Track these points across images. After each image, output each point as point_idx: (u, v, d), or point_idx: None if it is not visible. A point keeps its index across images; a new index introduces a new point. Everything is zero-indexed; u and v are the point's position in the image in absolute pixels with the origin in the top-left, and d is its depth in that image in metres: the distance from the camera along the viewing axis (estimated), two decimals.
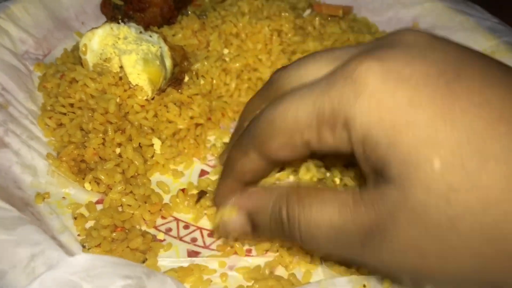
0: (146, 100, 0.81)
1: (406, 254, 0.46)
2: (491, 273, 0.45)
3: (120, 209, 0.72)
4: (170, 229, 0.72)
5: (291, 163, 0.61)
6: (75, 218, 0.69)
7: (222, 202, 0.59)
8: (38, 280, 0.48)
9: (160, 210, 0.74)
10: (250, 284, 0.64)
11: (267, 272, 0.66)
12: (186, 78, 0.88)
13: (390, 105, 0.45)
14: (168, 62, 0.85)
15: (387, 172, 0.45)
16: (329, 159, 0.65)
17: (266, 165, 0.58)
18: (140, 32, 0.85)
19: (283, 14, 0.95)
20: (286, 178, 0.61)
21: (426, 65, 0.46)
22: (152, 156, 0.79)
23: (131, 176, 0.76)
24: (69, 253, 0.63)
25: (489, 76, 0.45)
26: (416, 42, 0.49)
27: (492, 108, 0.43)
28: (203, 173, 0.82)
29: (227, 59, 0.91)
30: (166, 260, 0.68)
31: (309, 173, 0.61)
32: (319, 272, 0.67)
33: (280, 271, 0.67)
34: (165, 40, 0.87)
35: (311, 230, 0.50)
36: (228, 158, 0.60)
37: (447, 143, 0.43)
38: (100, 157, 0.76)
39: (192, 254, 0.69)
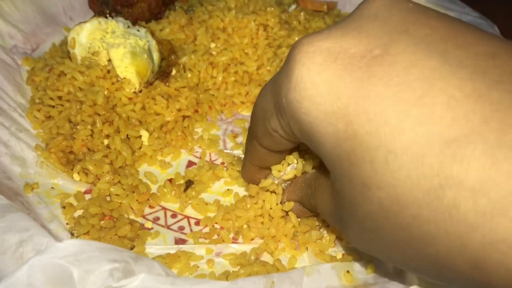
0: (134, 92, 0.82)
1: (361, 240, 0.47)
2: (415, 269, 0.44)
3: (108, 198, 0.73)
4: (157, 218, 0.74)
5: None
6: (64, 207, 0.70)
7: (248, 180, 0.70)
8: (27, 264, 0.49)
9: (148, 199, 0.75)
10: (236, 269, 0.66)
11: (253, 258, 0.68)
12: (174, 72, 0.89)
13: (311, 95, 0.43)
14: (156, 56, 0.86)
15: (326, 164, 0.47)
16: None
17: (269, 153, 0.61)
18: (128, 27, 0.86)
19: (268, 9, 0.96)
20: (292, 162, 0.64)
21: (356, 41, 0.43)
22: (140, 148, 0.81)
23: (119, 167, 0.77)
24: (58, 240, 0.64)
25: (423, 48, 0.40)
26: (369, 11, 0.45)
27: (411, 90, 0.38)
28: (190, 163, 0.83)
29: (214, 53, 0.93)
30: (154, 247, 0.69)
31: (308, 163, 0.63)
32: (304, 258, 0.68)
33: (266, 257, 0.69)
34: (152, 34, 0.89)
35: (320, 209, 0.59)
36: (246, 144, 0.65)
37: (359, 138, 0.40)
38: (88, 148, 0.77)
39: (179, 241, 0.71)
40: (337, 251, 0.69)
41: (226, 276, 0.64)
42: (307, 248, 0.69)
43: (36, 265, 0.48)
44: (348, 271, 0.62)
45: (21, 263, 0.50)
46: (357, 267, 0.64)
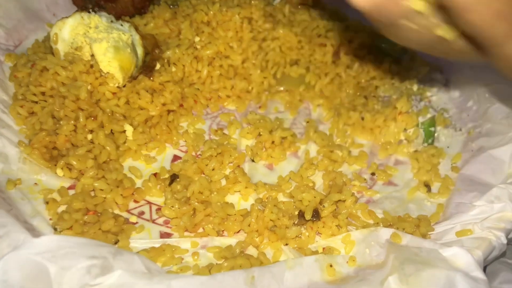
0: (118, 87, 0.82)
1: None
2: None
3: (92, 193, 0.73)
4: (142, 212, 0.74)
5: None
6: (47, 203, 0.70)
7: None
8: (2, 260, 0.49)
9: (133, 194, 0.75)
10: (220, 262, 0.66)
11: (237, 251, 0.68)
12: (158, 66, 0.89)
13: None
14: (140, 50, 0.86)
15: None
16: None
17: None
18: (111, 21, 0.85)
19: (253, 2, 0.96)
20: None
21: None
22: (124, 142, 0.80)
23: (103, 162, 0.77)
24: (40, 235, 0.64)
25: None
26: None
27: None
28: (175, 158, 0.83)
29: (198, 46, 0.92)
30: (139, 241, 0.69)
31: None
32: (288, 252, 0.69)
33: (251, 251, 0.69)
34: (136, 29, 0.88)
35: None
36: None
37: None
38: (72, 144, 0.77)
39: (164, 235, 0.71)
40: (318, 246, 0.69)
41: (209, 269, 0.64)
42: (286, 244, 0.69)
43: (12, 261, 0.48)
44: (331, 265, 0.63)
45: None
46: (339, 260, 0.64)
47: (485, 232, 0.63)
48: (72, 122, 0.76)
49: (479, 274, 0.56)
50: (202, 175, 0.78)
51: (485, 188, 0.71)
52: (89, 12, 0.84)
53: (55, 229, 0.66)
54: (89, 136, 0.77)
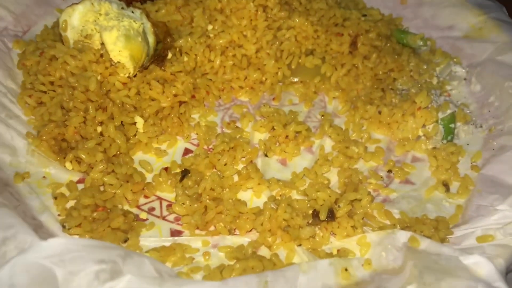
0: (128, 77, 0.80)
1: None
2: None
3: (101, 188, 0.71)
4: (153, 208, 0.72)
5: None
6: (55, 198, 0.68)
7: None
8: (8, 264, 0.48)
9: (143, 189, 0.73)
10: (232, 263, 0.64)
11: (250, 251, 0.66)
12: (169, 55, 0.86)
13: None
14: (151, 39, 0.83)
15: None
16: None
17: None
18: (122, 8, 0.83)
19: None
20: None
21: None
22: (135, 135, 0.78)
23: (113, 155, 0.75)
24: (49, 233, 0.62)
25: None
26: None
27: None
28: (187, 151, 0.81)
29: (211, 35, 0.89)
30: (148, 239, 0.67)
31: None
32: (301, 254, 0.67)
33: (264, 251, 0.67)
34: (148, 16, 0.85)
35: None
36: None
37: None
38: (81, 136, 0.75)
39: (175, 233, 0.69)
40: (332, 247, 0.67)
41: (220, 270, 0.62)
42: (299, 244, 0.67)
43: (19, 265, 0.46)
44: (346, 269, 0.61)
45: (3, 262, 0.49)
46: (354, 263, 0.62)
47: (507, 239, 0.61)
48: (82, 113, 0.75)
49: (501, 285, 0.54)
50: (214, 170, 0.76)
51: (507, 191, 0.68)
52: None
53: (64, 227, 0.65)
54: (99, 129, 0.75)
